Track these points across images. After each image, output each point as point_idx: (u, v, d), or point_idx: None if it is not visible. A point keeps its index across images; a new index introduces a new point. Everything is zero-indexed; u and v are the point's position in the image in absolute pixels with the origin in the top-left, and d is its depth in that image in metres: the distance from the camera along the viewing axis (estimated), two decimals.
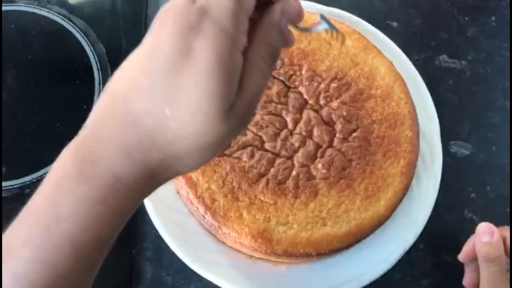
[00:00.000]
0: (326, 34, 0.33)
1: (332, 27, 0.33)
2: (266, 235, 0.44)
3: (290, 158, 0.48)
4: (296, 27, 0.31)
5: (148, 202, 0.48)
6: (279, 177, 0.47)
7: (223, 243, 0.48)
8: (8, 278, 0.25)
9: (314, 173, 0.47)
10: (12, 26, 0.60)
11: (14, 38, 0.60)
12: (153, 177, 0.27)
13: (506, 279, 0.43)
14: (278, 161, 0.47)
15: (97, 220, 0.26)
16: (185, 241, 0.47)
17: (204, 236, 0.48)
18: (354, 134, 0.49)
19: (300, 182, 0.47)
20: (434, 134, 0.52)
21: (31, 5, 0.61)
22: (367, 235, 0.46)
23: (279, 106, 0.49)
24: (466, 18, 0.63)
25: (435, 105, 0.53)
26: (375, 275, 0.47)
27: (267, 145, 0.48)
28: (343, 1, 0.62)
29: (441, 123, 0.53)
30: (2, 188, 0.52)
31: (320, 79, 0.51)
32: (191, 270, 0.46)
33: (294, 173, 0.47)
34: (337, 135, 0.49)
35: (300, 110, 0.50)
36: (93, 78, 0.57)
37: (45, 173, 0.52)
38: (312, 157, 0.48)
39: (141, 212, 0.49)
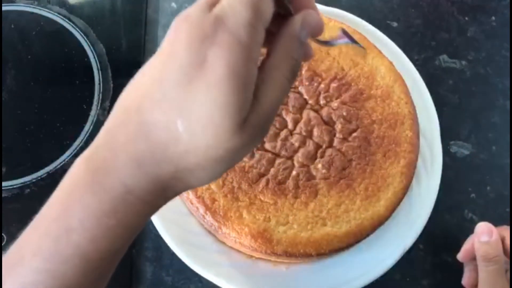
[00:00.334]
0: (347, 47, 0.33)
1: (353, 41, 0.32)
2: (266, 235, 0.44)
3: (290, 158, 0.48)
4: (316, 40, 0.30)
5: None
6: (279, 177, 0.47)
7: (223, 243, 0.48)
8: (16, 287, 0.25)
9: (314, 173, 0.47)
10: (12, 26, 0.60)
11: (14, 38, 0.60)
12: (164, 190, 0.27)
13: (504, 278, 0.43)
14: (278, 161, 0.47)
15: (106, 233, 0.26)
16: (185, 241, 0.47)
17: (204, 236, 0.48)
18: (354, 134, 0.49)
19: (300, 182, 0.47)
20: (434, 134, 0.52)
21: (31, 5, 0.61)
22: (367, 235, 0.46)
23: None
24: (466, 18, 0.63)
25: (435, 105, 0.53)
26: (375, 275, 0.47)
27: (267, 145, 0.48)
28: (343, 1, 0.62)
29: (441, 123, 0.53)
30: (2, 188, 0.52)
31: (320, 79, 0.51)
32: (191, 270, 0.46)
33: (294, 173, 0.47)
34: (337, 135, 0.49)
35: (300, 110, 0.50)
36: (93, 78, 0.57)
37: (45, 173, 0.52)
38: (312, 157, 0.48)
39: None
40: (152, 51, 0.59)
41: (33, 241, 0.26)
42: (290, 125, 0.49)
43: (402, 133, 0.49)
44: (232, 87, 0.24)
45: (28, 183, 0.52)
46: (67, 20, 0.60)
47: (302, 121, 0.49)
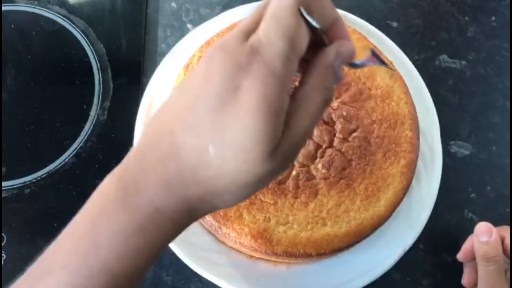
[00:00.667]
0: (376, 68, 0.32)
1: (382, 62, 0.32)
2: (266, 235, 0.44)
3: None
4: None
5: None
6: (279, 177, 0.46)
7: (223, 243, 0.48)
8: None
9: (314, 173, 0.47)
10: (12, 26, 0.60)
11: (14, 38, 0.60)
12: (191, 211, 0.27)
13: (503, 278, 0.43)
14: None
15: (133, 251, 0.26)
16: (185, 241, 0.47)
17: (204, 236, 0.48)
18: (354, 134, 0.49)
19: (300, 182, 0.47)
20: (434, 134, 0.52)
21: (31, 5, 0.61)
22: (367, 235, 0.46)
23: None
24: (466, 18, 0.63)
25: (435, 105, 0.53)
26: (375, 275, 0.47)
27: None
28: (343, 1, 0.62)
29: (441, 123, 0.53)
30: (2, 188, 0.52)
31: None
32: (191, 270, 0.46)
33: (294, 173, 0.47)
34: (337, 135, 0.49)
35: None
36: (93, 78, 0.57)
37: (45, 173, 0.52)
38: (312, 157, 0.48)
39: None
40: (152, 51, 0.60)
41: (61, 255, 0.27)
42: None
43: (402, 133, 0.49)
44: (264, 117, 0.24)
45: (28, 183, 0.52)
46: (67, 20, 0.60)
47: None
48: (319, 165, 0.47)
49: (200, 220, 0.47)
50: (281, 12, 0.26)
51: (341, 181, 0.47)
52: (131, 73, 0.58)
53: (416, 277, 0.51)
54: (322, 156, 0.48)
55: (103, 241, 0.26)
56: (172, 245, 0.46)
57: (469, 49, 0.61)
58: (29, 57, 0.59)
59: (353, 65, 0.31)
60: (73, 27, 0.60)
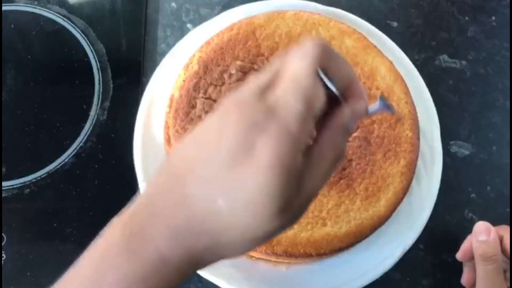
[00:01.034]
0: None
1: (389, 108, 0.33)
2: None
3: None
4: None
5: None
6: None
7: None
8: None
9: None
10: (12, 26, 0.60)
11: (14, 38, 0.60)
12: (196, 261, 0.27)
13: (502, 277, 0.43)
14: None
15: None
16: None
17: None
18: (354, 134, 0.49)
19: None
20: (434, 134, 0.52)
21: (30, 5, 0.61)
22: (367, 235, 0.46)
23: None
24: (466, 18, 0.63)
25: (435, 105, 0.53)
26: (375, 275, 0.47)
27: None
28: (343, 1, 0.62)
29: (441, 123, 0.53)
30: (2, 188, 0.52)
31: None
32: None
33: None
34: None
35: None
36: (93, 78, 0.57)
37: (45, 173, 0.52)
38: None
39: None
40: (152, 51, 0.60)
41: None
42: None
43: (402, 133, 0.49)
44: (278, 176, 0.25)
45: (28, 183, 0.52)
46: (67, 20, 0.60)
47: None
48: None
49: None
50: (300, 73, 0.26)
51: (341, 181, 0.47)
52: (131, 73, 0.58)
53: (416, 277, 0.51)
54: None
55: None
56: None
57: (469, 49, 0.61)
58: (29, 57, 0.59)
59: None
60: (73, 27, 0.60)
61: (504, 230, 0.45)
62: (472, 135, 0.57)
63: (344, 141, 0.29)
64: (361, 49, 0.52)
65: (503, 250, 0.44)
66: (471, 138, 0.57)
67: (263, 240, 0.27)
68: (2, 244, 0.49)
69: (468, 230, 0.46)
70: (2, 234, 0.50)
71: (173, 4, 0.62)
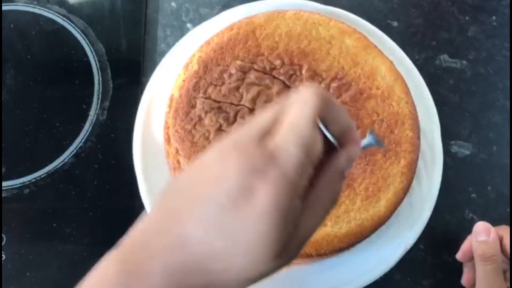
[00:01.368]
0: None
1: (379, 144, 0.33)
2: None
3: None
4: None
5: (147, 200, 0.48)
6: None
7: None
8: None
9: None
10: (12, 26, 0.60)
11: (14, 38, 0.59)
12: None
13: (501, 277, 0.43)
14: None
15: None
16: None
17: None
18: None
19: None
20: (434, 134, 0.52)
21: (30, 5, 0.61)
22: (368, 236, 0.46)
23: None
24: (467, 18, 0.62)
25: (436, 105, 0.53)
26: (375, 275, 0.47)
27: None
28: (343, 1, 0.62)
29: (441, 123, 0.53)
30: (2, 188, 0.52)
31: (320, 79, 0.51)
32: None
33: None
34: None
35: None
36: (92, 78, 0.57)
37: (45, 173, 0.52)
38: None
39: (140, 211, 0.49)
40: (152, 51, 0.60)
41: None
42: None
43: (402, 133, 0.49)
44: (276, 221, 0.25)
45: (27, 183, 0.52)
46: (66, 20, 0.60)
47: None
48: None
49: None
50: (300, 122, 0.27)
51: None
52: (130, 73, 0.58)
53: (417, 277, 0.51)
54: None
55: None
56: None
57: (470, 49, 0.61)
58: (29, 56, 0.59)
59: None
60: (73, 27, 0.60)
61: (504, 230, 0.45)
62: (472, 135, 0.57)
63: (340, 185, 0.29)
64: (361, 49, 0.52)
65: (503, 250, 0.44)
66: (471, 138, 0.57)
67: (258, 280, 0.27)
68: (2, 244, 0.49)
69: (469, 230, 0.46)
70: (2, 234, 0.50)
71: (173, 4, 0.62)
